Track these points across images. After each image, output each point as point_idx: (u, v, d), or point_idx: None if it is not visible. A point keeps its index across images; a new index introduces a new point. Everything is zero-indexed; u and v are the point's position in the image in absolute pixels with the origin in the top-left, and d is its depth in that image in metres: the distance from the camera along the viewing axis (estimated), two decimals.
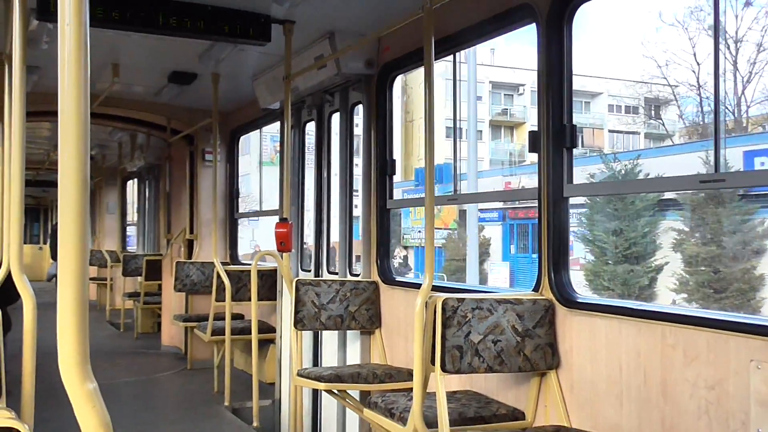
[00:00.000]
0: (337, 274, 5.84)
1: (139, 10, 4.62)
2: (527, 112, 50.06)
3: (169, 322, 9.16)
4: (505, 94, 51.85)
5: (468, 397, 3.92)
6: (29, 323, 3.27)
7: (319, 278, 5.80)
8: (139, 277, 11.14)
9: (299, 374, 4.75)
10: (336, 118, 5.98)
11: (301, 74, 5.50)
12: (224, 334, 6.68)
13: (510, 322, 3.54)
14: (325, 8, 4.85)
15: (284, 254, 5.39)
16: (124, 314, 11.86)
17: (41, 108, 6.37)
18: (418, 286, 3.78)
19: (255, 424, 5.94)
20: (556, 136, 3.64)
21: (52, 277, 18.48)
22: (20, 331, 3.31)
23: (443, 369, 3.42)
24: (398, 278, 5.25)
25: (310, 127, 6.49)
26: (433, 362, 3.45)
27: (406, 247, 35.18)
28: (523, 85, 49.58)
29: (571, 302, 3.55)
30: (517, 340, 3.53)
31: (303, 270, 6.44)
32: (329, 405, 5.69)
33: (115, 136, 11.70)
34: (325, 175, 6.16)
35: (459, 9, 4.09)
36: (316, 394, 5.94)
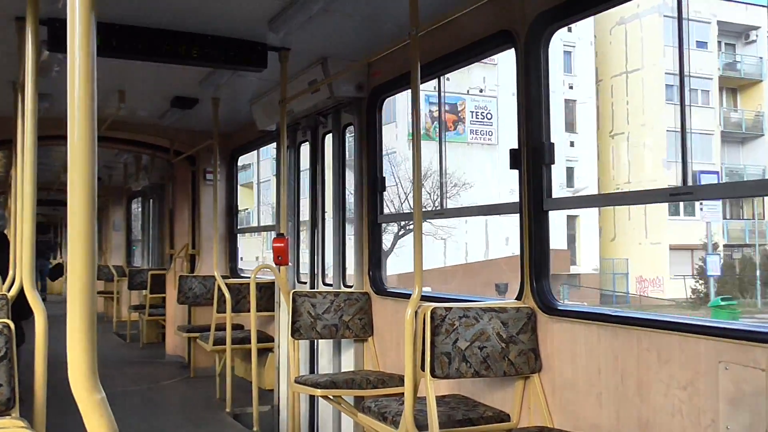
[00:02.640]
0: (331, 285, 5.83)
1: (144, 40, 4.63)
2: (765, 65, 33.74)
3: (173, 333, 9.11)
4: (726, 43, 34.41)
5: (456, 401, 3.91)
6: (41, 336, 3.25)
7: (315, 290, 5.78)
8: (144, 291, 11.09)
9: (297, 381, 4.73)
10: (329, 139, 5.99)
11: (296, 98, 5.52)
12: (225, 344, 6.65)
13: (495, 329, 3.54)
14: (318, 36, 4.88)
15: (281, 267, 5.38)
16: (130, 326, 11.79)
17: (52, 132, 6.35)
18: (407, 296, 3.78)
19: (255, 428, 5.90)
20: (535, 153, 3.66)
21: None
22: (33, 343, 3.29)
23: (433, 374, 3.41)
24: (388, 288, 5.25)
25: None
26: (423, 368, 3.44)
27: None
28: (756, 28, 33.65)
29: (552, 310, 3.55)
30: (502, 346, 3.54)
31: (299, 282, 6.42)
32: (325, 410, 5.66)
33: (121, 158, 11.69)
34: (320, 192, 6.16)
35: (443, 35, 4.12)
36: (312, 399, 5.91)
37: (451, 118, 29.81)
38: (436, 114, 28.41)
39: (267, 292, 6.95)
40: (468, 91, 30.42)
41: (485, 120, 31.27)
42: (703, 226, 29.74)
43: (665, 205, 27.86)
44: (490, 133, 31.33)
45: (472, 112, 31.38)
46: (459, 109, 30.09)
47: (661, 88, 31.85)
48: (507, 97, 28.95)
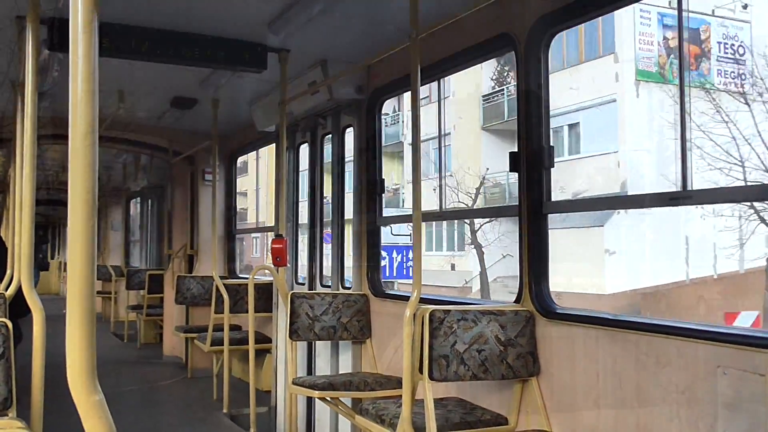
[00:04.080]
0: (329, 287, 5.83)
1: (145, 40, 4.63)
2: None
3: (171, 333, 9.11)
4: None
5: (454, 404, 3.91)
6: (38, 335, 3.25)
7: (313, 291, 5.78)
8: (141, 291, 11.08)
9: (294, 383, 4.72)
10: (329, 141, 5.99)
11: (296, 99, 5.51)
12: (223, 345, 6.65)
13: (493, 332, 3.54)
14: (318, 38, 4.88)
15: (280, 268, 5.38)
16: (127, 326, 11.78)
17: (51, 132, 6.36)
18: (405, 298, 3.78)
19: (252, 430, 5.89)
20: (535, 156, 3.67)
21: None
22: (30, 343, 3.28)
23: (431, 377, 3.41)
24: (387, 291, 5.24)
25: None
26: (421, 370, 3.44)
27: None
28: None
29: (550, 313, 3.55)
30: (500, 349, 3.53)
31: (297, 283, 6.42)
32: (323, 412, 5.65)
33: (120, 158, 11.69)
34: (318, 194, 6.16)
35: (443, 38, 4.12)
36: (310, 401, 5.90)
37: (692, 50, 18.80)
38: (671, 44, 18.37)
39: (265, 293, 6.95)
40: (713, 12, 18.99)
41: (737, 56, 19.41)
42: None
43: None
44: (743, 77, 19.19)
45: (719, 43, 19.36)
46: (702, 37, 18.32)
47: None
48: (765, 25, 18.30)
